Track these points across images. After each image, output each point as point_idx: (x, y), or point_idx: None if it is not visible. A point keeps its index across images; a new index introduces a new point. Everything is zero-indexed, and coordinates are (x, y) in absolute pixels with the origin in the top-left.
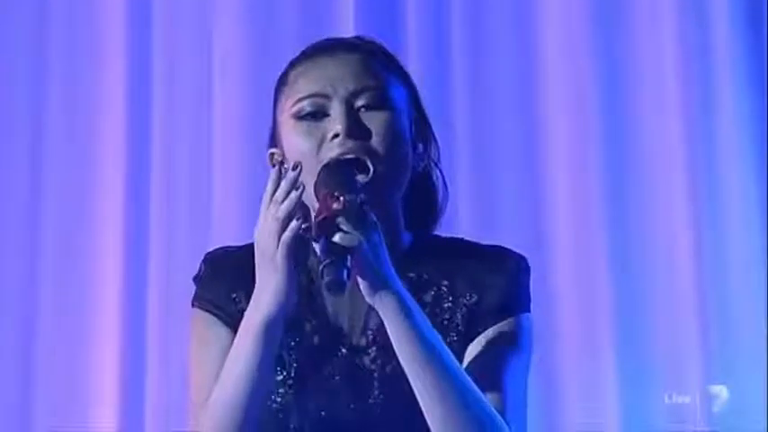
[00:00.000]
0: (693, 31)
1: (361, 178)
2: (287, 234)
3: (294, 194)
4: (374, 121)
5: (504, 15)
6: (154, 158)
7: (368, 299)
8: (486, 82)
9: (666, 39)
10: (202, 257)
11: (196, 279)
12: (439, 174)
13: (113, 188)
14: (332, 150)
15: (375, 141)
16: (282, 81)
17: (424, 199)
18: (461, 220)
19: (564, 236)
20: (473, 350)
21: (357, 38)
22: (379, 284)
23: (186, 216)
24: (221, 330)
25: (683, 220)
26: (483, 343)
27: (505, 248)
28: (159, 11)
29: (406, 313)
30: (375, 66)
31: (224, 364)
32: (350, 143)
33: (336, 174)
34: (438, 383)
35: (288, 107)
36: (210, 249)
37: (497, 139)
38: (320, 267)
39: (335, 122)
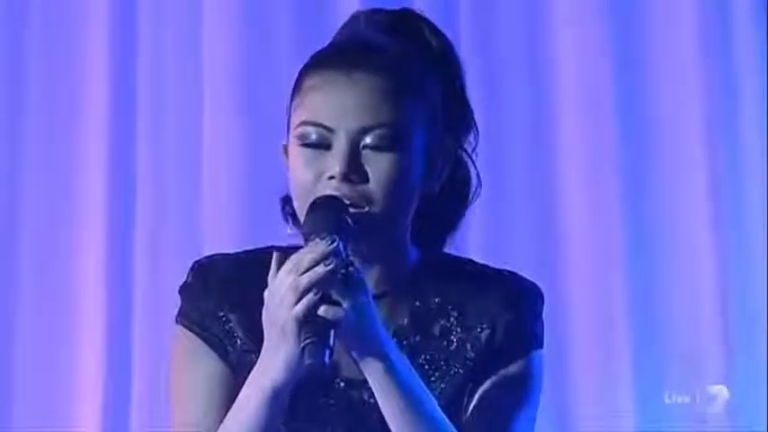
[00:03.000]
0: (713, 26)
1: (354, 212)
2: (298, 308)
3: (321, 270)
4: (377, 165)
5: (514, 13)
6: (140, 159)
7: (355, 357)
8: (496, 81)
9: (686, 35)
10: (190, 266)
11: (181, 290)
12: (471, 164)
13: (96, 187)
14: (325, 190)
15: (372, 186)
16: (299, 82)
17: (437, 217)
18: (471, 220)
19: (580, 235)
20: (483, 394)
21: (395, 18)
22: (364, 349)
23: (174, 216)
24: (205, 353)
25: (705, 221)
26: (493, 386)
27: (520, 276)
28: (145, 9)
29: (392, 375)
30: (397, 90)
31: (212, 393)
32: (344, 188)
33: (323, 216)
34: None
35: (295, 122)
36: (199, 258)
37: (508, 139)
38: (301, 344)
39: (334, 162)
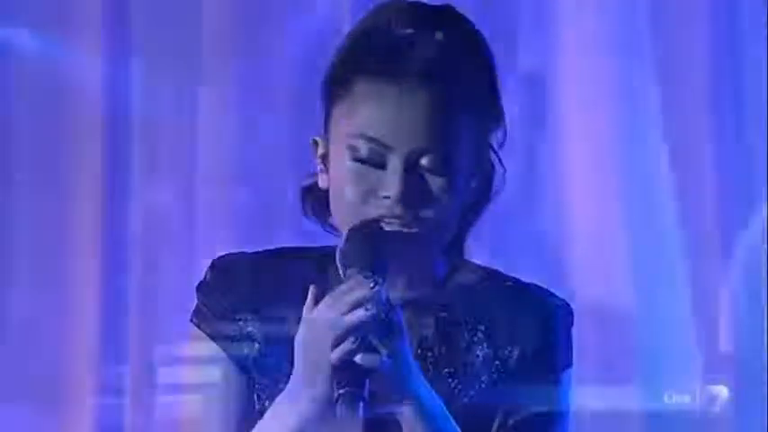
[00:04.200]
0: (719, 26)
1: (400, 231)
2: (335, 355)
3: (362, 314)
4: (432, 187)
5: (517, 14)
6: (135, 160)
7: (386, 397)
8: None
9: (692, 35)
10: (210, 263)
11: (198, 289)
12: (496, 158)
13: (91, 187)
14: (378, 209)
15: (425, 208)
16: (347, 83)
17: (468, 225)
18: None
19: (581, 235)
20: (511, 422)
21: (435, 14)
22: (395, 391)
23: (170, 217)
24: (216, 355)
25: (707, 221)
26: (521, 412)
27: (549, 292)
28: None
29: (422, 417)
30: (452, 106)
31: (221, 396)
32: (398, 209)
33: (366, 250)
34: None
35: (345, 131)
36: (220, 254)
37: (510, 137)
38: (335, 393)
39: (390, 183)
